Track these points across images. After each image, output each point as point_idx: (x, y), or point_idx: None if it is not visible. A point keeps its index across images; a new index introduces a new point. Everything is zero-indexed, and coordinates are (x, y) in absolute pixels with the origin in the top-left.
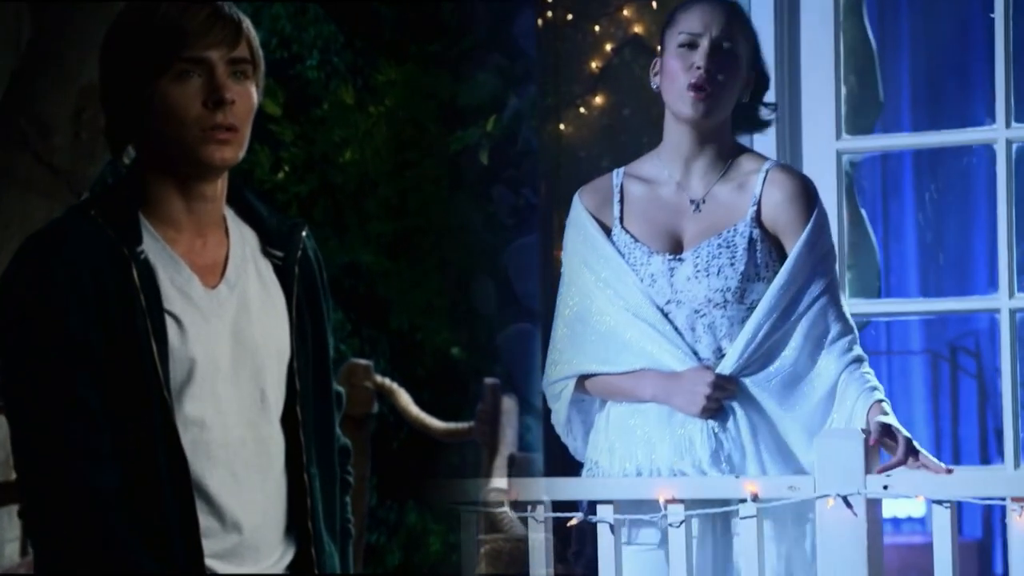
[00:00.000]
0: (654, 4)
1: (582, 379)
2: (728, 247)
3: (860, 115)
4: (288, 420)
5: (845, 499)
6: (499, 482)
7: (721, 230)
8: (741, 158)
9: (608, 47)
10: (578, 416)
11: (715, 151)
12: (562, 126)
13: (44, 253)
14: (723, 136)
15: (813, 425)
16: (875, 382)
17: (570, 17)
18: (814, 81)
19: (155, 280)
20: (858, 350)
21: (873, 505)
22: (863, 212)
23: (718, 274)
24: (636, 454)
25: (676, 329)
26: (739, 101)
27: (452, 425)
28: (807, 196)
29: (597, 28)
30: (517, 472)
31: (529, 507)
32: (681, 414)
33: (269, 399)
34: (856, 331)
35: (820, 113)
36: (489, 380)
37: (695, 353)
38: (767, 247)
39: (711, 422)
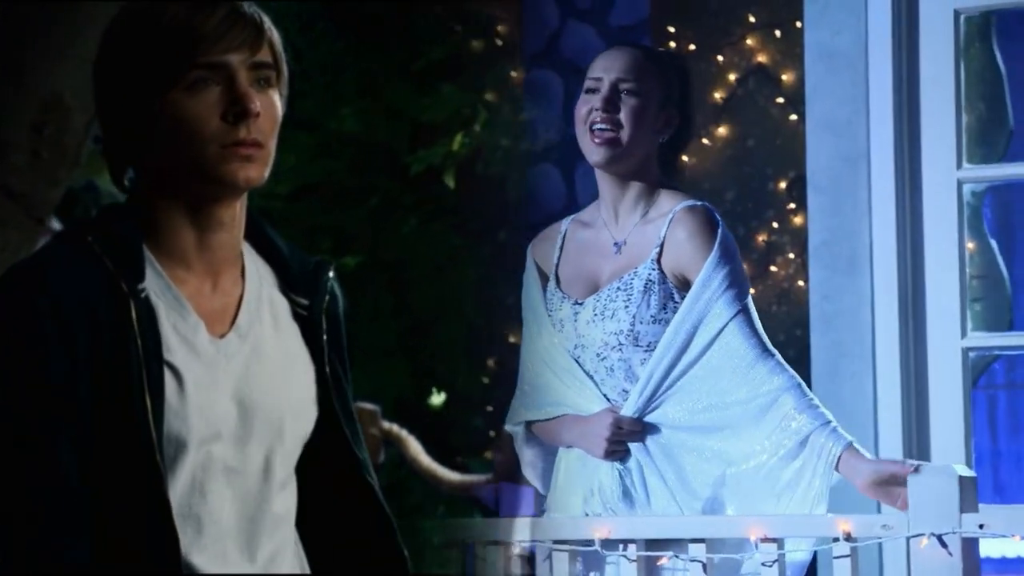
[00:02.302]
0: (777, 32)
1: (530, 425)
2: (625, 290)
3: (987, 143)
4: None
5: (940, 538)
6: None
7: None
8: (661, 198)
9: (732, 77)
10: (541, 461)
11: (637, 192)
12: (684, 157)
13: (27, 285)
14: (645, 176)
15: (739, 451)
16: (830, 415)
17: (692, 47)
18: (934, 109)
19: (156, 324)
20: (793, 375)
21: (970, 544)
22: (992, 243)
23: (612, 317)
24: (564, 500)
25: (587, 373)
26: (663, 141)
27: (467, 477)
28: (710, 232)
29: (720, 58)
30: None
31: (621, 546)
32: (593, 457)
33: (275, 470)
34: (778, 356)
35: (941, 142)
36: (509, 427)
37: (605, 396)
38: (667, 290)
39: (617, 464)
